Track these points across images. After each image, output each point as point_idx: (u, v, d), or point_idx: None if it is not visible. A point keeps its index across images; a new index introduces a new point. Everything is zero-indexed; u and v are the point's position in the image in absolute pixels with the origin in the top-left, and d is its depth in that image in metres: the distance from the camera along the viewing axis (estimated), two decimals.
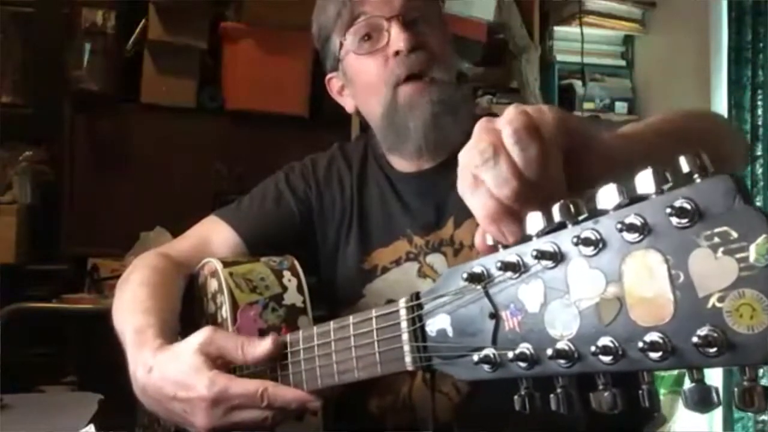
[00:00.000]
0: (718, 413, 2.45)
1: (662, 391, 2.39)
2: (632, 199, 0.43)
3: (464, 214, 1.03)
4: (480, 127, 0.55)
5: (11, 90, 2.73)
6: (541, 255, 0.47)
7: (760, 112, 2.49)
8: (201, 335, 0.79)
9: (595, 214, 0.45)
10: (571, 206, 0.46)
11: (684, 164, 0.41)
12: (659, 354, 0.41)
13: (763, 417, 2.41)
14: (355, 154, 1.16)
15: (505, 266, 0.49)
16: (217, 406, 0.75)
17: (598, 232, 0.44)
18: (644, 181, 0.42)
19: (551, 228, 0.47)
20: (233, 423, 0.76)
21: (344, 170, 1.14)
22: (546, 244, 0.47)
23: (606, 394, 0.45)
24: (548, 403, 0.49)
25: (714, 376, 2.48)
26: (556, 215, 0.47)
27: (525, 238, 0.49)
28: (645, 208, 0.42)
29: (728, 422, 2.43)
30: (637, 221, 0.42)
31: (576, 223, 0.46)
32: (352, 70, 1.07)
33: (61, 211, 2.77)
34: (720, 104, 2.57)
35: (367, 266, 1.06)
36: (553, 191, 0.51)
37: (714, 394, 0.41)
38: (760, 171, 2.48)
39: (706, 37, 2.62)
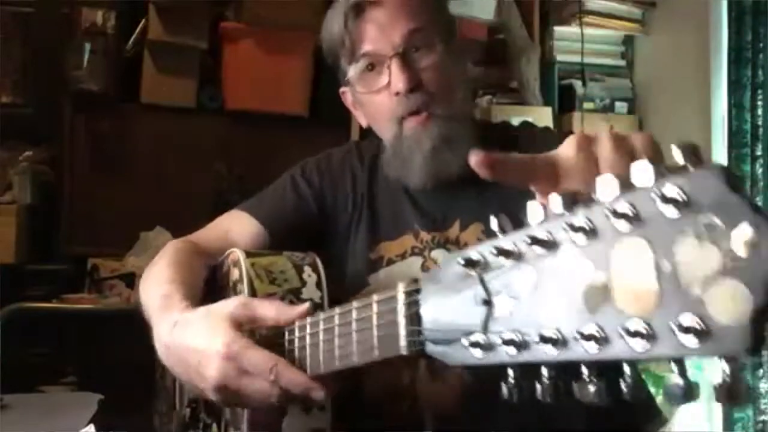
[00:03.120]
0: (718, 414, 2.45)
1: (662, 391, 2.39)
2: (626, 188, 0.43)
3: (470, 217, 1.07)
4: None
5: (11, 90, 2.74)
6: (534, 241, 0.47)
7: (760, 112, 2.49)
8: (234, 300, 0.82)
9: (590, 204, 0.45)
10: (570, 197, 0.46)
11: (678, 156, 0.41)
12: (642, 343, 0.41)
13: (763, 417, 2.41)
14: (369, 152, 1.19)
15: (500, 252, 0.49)
16: (229, 362, 0.76)
17: (590, 220, 0.44)
18: (640, 172, 0.42)
19: (549, 217, 0.47)
20: (240, 386, 0.77)
21: (357, 165, 1.17)
22: (540, 231, 0.47)
23: (590, 386, 0.45)
24: (534, 392, 0.48)
25: (715, 376, 2.48)
26: (556, 206, 0.47)
27: (524, 227, 0.49)
28: (636, 198, 0.42)
29: (728, 422, 2.43)
30: (628, 210, 0.42)
31: (571, 212, 0.46)
32: (359, 98, 1.11)
33: (61, 211, 2.77)
34: (720, 104, 2.57)
35: (373, 257, 1.09)
36: None
37: (695, 389, 0.40)
38: (760, 171, 2.48)
39: (706, 37, 2.62)
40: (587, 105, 2.86)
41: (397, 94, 1.02)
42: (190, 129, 2.88)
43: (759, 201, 2.48)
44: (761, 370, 2.39)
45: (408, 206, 1.11)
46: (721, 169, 0.39)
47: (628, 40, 3.00)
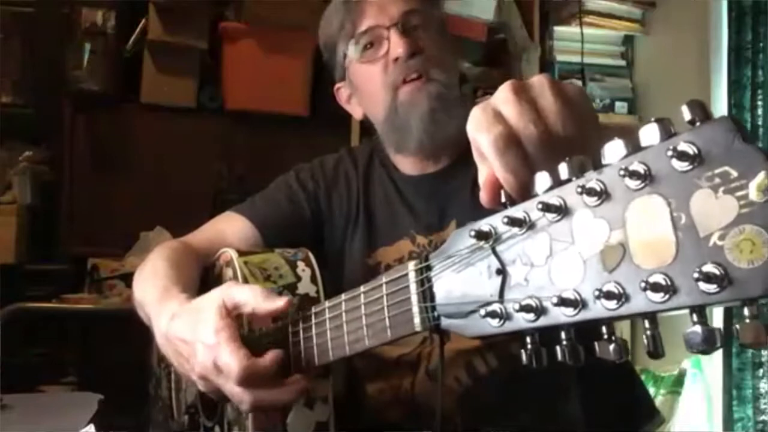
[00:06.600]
0: (718, 414, 2.45)
1: (661, 391, 2.39)
2: (636, 150, 0.44)
3: (466, 218, 1.06)
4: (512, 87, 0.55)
5: (11, 90, 2.73)
6: (546, 208, 0.47)
7: (760, 112, 2.49)
8: (221, 288, 0.81)
9: (601, 168, 0.45)
10: (577, 163, 0.47)
11: (686, 112, 0.41)
12: (661, 295, 0.41)
13: (763, 417, 2.41)
14: (362, 157, 1.20)
15: (512, 221, 0.50)
16: (211, 353, 0.76)
17: (602, 182, 0.45)
18: (649, 132, 0.43)
19: (557, 184, 0.48)
20: (218, 383, 0.77)
21: (351, 171, 1.18)
22: (551, 197, 0.47)
23: (611, 344, 0.46)
24: (554, 356, 0.49)
25: (715, 375, 2.47)
26: (563, 172, 0.47)
27: (533, 197, 0.50)
28: (648, 155, 0.43)
29: (728, 422, 2.43)
30: (641, 168, 0.43)
31: (581, 177, 0.46)
32: (356, 78, 1.12)
33: (60, 211, 2.77)
34: (720, 104, 2.57)
35: (371, 262, 1.09)
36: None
37: (717, 335, 0.41)
38: None
39: (706, 37, 2.62)
40: None
41: (396, 60, 1.05)
42: (190, 129, 2.87)
43: None
44: (761, 370, 2.39)
45: (403, 211, 1.11)
46: (731, 120, 0.39)
47: (628, 40, 3.00)
